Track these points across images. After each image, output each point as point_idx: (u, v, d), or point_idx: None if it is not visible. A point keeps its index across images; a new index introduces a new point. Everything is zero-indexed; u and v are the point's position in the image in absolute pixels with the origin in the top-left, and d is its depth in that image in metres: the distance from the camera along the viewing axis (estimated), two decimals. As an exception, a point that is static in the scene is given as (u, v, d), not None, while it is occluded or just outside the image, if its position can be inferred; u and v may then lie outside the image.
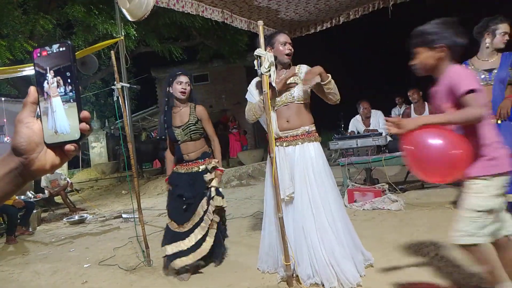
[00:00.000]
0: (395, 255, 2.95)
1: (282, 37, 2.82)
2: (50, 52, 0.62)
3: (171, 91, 3.23)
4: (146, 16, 3.55)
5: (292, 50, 2.84)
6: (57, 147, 0.62)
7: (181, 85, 3.18)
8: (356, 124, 6.06)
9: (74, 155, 0.63)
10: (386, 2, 4.58)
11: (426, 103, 6.19)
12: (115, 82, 3.60)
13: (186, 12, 3.87)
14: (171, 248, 3.08)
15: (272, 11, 4.55)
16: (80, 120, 0.60)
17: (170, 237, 3.14)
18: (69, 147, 0.61)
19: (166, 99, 3.27)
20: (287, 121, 2.79)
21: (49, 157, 0.62)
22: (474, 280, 2.34)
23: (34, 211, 6.18)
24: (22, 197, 6.61)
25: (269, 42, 2.81)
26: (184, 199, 3.10)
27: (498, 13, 3.11)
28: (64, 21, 11.05)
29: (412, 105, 6.07)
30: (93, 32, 9.94)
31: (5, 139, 8.88)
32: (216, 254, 3.25)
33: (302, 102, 2.79)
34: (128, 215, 6.36)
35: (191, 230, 3.09)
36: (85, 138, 0.62)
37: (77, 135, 0.60)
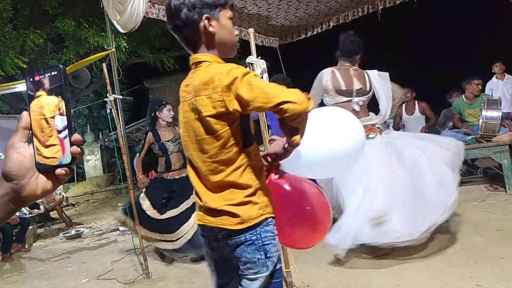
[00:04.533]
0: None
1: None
2: (42, 76, 0.62)
3: (159, 116, 3.99)
4: (137, 27, 3.55)
5: None
6: (49, 172, 0.61)
7: (170, 112, 4.02)
8: None
9: (66, 179, 0.62)
10: (375, 6, 4.63)
11: (416, 101, 6.25)
12: (108, 94, 3.58)
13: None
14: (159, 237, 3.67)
15: (263, 18, 4.58)
16: (71, 144, 0.60)
17: (149, 223, 3.68)
18: (60, 171, 0.60)
19: (150, 121, 4.04)
20: None
21: (41, 182, 0.61)
22: None
23: (30, 227, 6.10)
24: (17, 213, 6.52)
25: None
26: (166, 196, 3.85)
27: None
28: (55, 35, 11.05)
29: (403, 104, 6.12)
30: (84, 45, 9.95)
31: (-1, 155, 8.79)
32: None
33: None
34: (125, 228, 6.30)
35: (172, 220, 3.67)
36: (76, 162, 0.61)
37: (68, 159, 0.60)
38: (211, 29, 1.33)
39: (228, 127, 1.28)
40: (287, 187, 1.55)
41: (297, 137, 1.28)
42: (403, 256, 2.89)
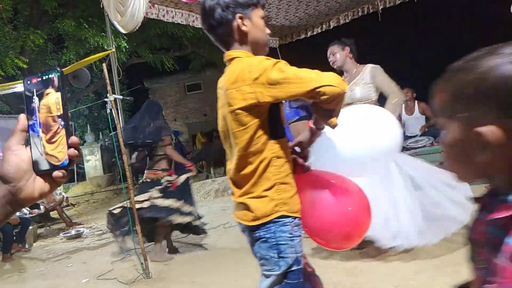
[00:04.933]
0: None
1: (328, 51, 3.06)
2: (40, 79, 0.62)
3: None
4: (138, 28, 3.55)
5: (333, 60, 3.14)
6: (46, 174, 0.61)
7: None
8: None
9: (63, 182, 0.62)
10: (375, 6, 4.63)
11: (416, 101, 6.24)
12: (108, 95, 3.59)
13: (176, 22, 3.89)
14: None
15: (263, 18, 4.59)
16: (69, 146, 0.60)
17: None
18: (57, 173, 0.60)
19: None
20: None
21: (38, 184, 0.61)
22: None
23: (30, 227, 6.10)
24: (17, 213, 6.52)
25: None
26: None
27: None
28: (55, 36, 11.05)
29: (403, 104, 6.12)
30: (84, 45, 9.94)
31: (-1, 155, 8.80)
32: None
33: (364, 101, 2.91)
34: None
35: None
36: (73, 165, 0.62)
37: (65, 162, 0.60)
38: (244, 28, 1.37)
39: (257, 119, 1.30)
40: (327, 183, 1.48)
41: (333, 119, 1.30)
42: (404, 256, 2.89)
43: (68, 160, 0.60)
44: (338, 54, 3.20)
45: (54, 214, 8.21)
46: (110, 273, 3.82)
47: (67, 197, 8.56)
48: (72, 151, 0.60)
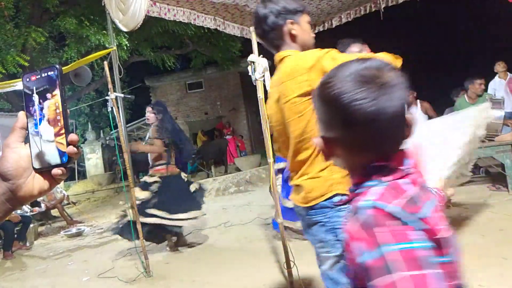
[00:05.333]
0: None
1: (354, 47, 3.00)
2: (39, 76, 0.61)
3: None
4: (139, 26, 3.54)
5: None
6: (46, 172, 0.60)
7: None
8: None
9: (62, 179, 0.62)
10: (377, 5, 4.60)
11: (419, 101, 6.22)
12: (109, 93, 3.58)
13: (178, 20, 3.87)
14: None
15: (264, 17, 4.57)
16: (68, 144, 0.59)
17: None
18: (56, 171, 0.60)
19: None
20: None
21: (37, 182, 0.61)
22: None
23: (31, 225, 6.11)
24: (18, 211, 6.52)
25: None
26: None
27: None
28: (56, 33, 11.04)
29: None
30: (85, 43, 9.94)
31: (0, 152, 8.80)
32: None
33: None
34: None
35: None
36: (72, 162, 0.61)
37: (64, 159, 0.59)
38: (293, 32, 1.53)
39: (311, 106, 1.37)
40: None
41: None
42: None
43: (67, 158, 0.60)
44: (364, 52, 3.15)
45: (55, 212, 8.22)
46: (110, 271, 3.82)
47: (67, 195, 8.56)
48: (71, 148, 0.59)
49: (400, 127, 0.68)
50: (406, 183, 0.68)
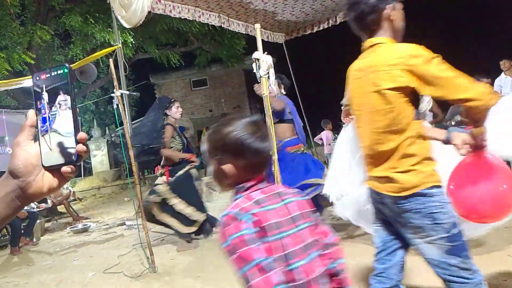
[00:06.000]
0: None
1: None
2: (49, 75, 0.62)
3: (169, 113, 4.17)
4: (141, 23, 3.56)
5: None
6: (55, 170, 0.61)
7: (178, 109, 4.21)
8: None
9: (71, 177, 0.63)
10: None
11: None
12: (114, 90, 3.60)
13: (183, 17, 3.88)
14: None
15: (269, 14, 4.56)
16: (77, 142, 0.60)
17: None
18: (65, 169, 0.60)
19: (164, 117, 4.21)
20: None
21: (47, 180, 0.62)
22: None
23: (38, 221, 6.16)
24: (25, 207, 6.59)
25: None
26: None
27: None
28: (62, 31, 11.10)
29: None
30: (91, 41, 9.98)
31: (7, 149, 8.89)
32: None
33: None
34: (132, 222, 6.34)
35: None
36: (81, 160, 0.62)
37: (74, 157, 0.60)
38: (392, 17, 1.53)
39: (403, 99, 1.42)
40: (491, 163, 1.58)
41: (477, 130, 1.43)
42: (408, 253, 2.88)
43: (77, 156, 0.60)
44: None
45: (61, 208, 8.29)
46: (116, 267, 3.86)
47: (74, 192, 8.63)
48: (80, 146, 0.60)
49: (266, 162, 1.11)
50: (257, 193, 1.06)
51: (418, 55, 1.37)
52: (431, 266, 1.49)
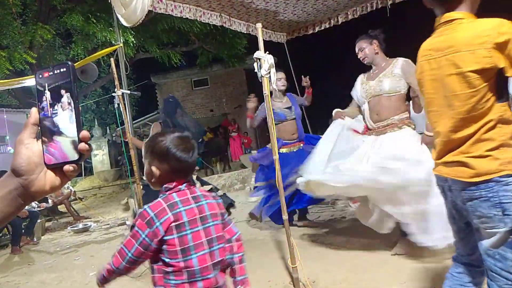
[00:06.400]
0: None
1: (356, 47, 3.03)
2: (51, 73, 0.62)
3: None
4: (141, 21, 3.55)
5: (363, 56, 3.04)
6: (57, 168, 0.61)
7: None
8: None
9: (74, 175, 0.63)
10: (384, 1, 4.57)
11: None
12: (116, 89, 3.60)
13: (184, 17, 3.88)
14: None
15: (270, 13, 4.55)
16: (80, 140, 0.60)
17: None
18: (68, 167, 0.60)
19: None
20: (377, 114, 2.92)
21: (49, 178, 0.61)
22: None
23: (38, 221, 6.17)
24: (26, 207, 6.60)
25: None
26: None
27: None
28: (63, 30, 11.10)
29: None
30: (92, 40, 9.98)
31: (8, 148, 8.90)
32: None
33: (393, 94, 2.88)
34: (132, 222, 6.33)
35: None
36: (84, 159, 0.62)
37: (76, 156, 0.60)
38: None
39: (487, 82, 1.31)
40: None
41: None
42: (410, 253, 2.87)
43: (79, 154, 0.60)
44: (366, 49, 3.01)
45: (62, 208, 8.30)
46: (117, 267, 3.85)
47: (74, 191, 8.63)
48: (83, 145, 0.60)
49: (187, 169, 1.36)
50: (175, 195, 1.32)
51: (506, 32, 1.25)
52: (480, 250, 1.40)
